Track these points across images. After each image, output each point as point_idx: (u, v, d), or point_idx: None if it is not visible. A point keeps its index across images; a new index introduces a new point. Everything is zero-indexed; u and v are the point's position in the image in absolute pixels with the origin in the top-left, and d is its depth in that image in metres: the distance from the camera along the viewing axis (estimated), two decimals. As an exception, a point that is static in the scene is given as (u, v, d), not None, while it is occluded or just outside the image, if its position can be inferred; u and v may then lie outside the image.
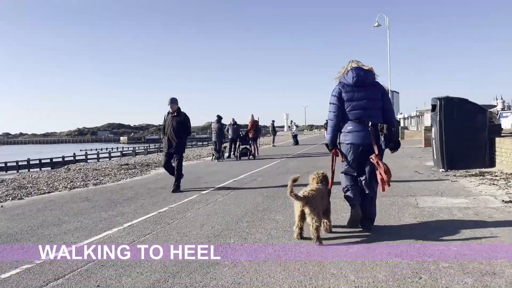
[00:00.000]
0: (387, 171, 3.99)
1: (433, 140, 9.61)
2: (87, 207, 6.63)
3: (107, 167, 14.92)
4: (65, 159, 43.07)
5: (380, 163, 4.02)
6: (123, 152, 50.74)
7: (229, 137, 17.39)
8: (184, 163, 16.47)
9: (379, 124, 4.16)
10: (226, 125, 17.68)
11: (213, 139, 15.94)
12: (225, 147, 16.32)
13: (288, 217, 5.13)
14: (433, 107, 9.50)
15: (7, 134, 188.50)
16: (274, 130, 29.16)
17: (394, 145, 4.23)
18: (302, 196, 3.94)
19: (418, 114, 75.06)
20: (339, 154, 4.32)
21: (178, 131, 8.01)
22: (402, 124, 55.15)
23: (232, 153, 16.75)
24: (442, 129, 9.07)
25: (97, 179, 11.21)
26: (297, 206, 3.99)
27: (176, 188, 7.85)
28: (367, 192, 4.29)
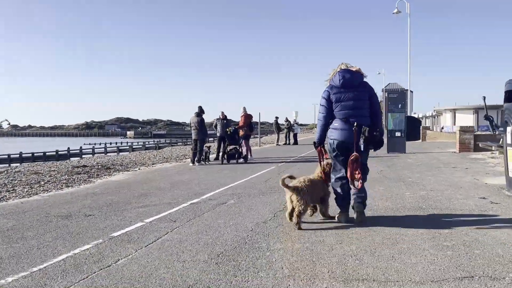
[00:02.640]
0: (357, 170, 4.23)
1: (510, 149, 6.09)
2: None
3: (54, 170, 11.65)
4: (59, 153, 40.52)
5: (355, 163, 4.23)
6: (120, 148, 47.81)
7: (218, 135, 14.02)
8: (156, 167, 13.22)
9: (363, 126, 4.26)
10: (215, 120, 14.33)
11: (192, 136, 12.52)
12: (208, 147, 12.89)
13: None
14: (510, 95, 5.99)
15: (16, 126, 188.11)
16: (278, 127, 25.77)
17: (374, 145, 4.44)
18: (292, 185, 4.27)
19: (435, 114, 70.81)
20: (324, 152, 4.64)
21: None
22: (424, 124, 51.30)
23: (221, 154, 13.27)
24: (530, 131, 5.56)
25: (10, 190, 7.92)
26: (288, 193, 4.29)
27: None
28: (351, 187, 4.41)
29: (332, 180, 4.52)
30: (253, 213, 5.16)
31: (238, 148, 12.77)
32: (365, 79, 4.50)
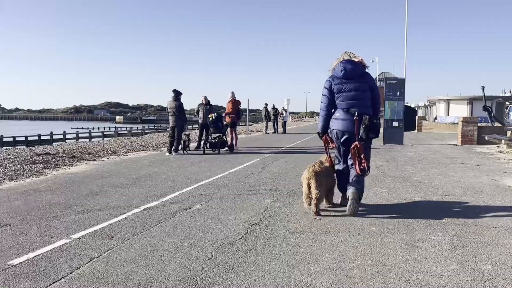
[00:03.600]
0: (362, 159, 4.22)
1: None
2: None
3: (10, 158, 10.27)
4: (41, 137, 38.85)
5: (359, 151, 4.21)
6: (105, 133, 46.23)
7: (199, 121, 12.67)
8: (128, 156, 11.20)
9: (364, 115, 4.26)
10: (198, 105, 12.98)
11: (170, 123, 11.17)
12: (187, 135, 11.56)
13: None
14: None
15: (2, 108, 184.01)
16: (267, 115, 24.49)
17: (371, 135, 4.33)
18: (311, 170, 4.19)
19: (428, 103, 69.83)
20: (329, 140, 4.55)
21: None
22: (419, 114, 50.31)
23: (203, 142, 11.93)
24: None
25: None
26: (305, 179, 4.21)
27: None
28: (352, 175, 4.37)
29: (336, 167, 4.59)
30: (220, 226, 3.90)
31: (222, 136, 11.47)
32: (367, 70, 4.49)
